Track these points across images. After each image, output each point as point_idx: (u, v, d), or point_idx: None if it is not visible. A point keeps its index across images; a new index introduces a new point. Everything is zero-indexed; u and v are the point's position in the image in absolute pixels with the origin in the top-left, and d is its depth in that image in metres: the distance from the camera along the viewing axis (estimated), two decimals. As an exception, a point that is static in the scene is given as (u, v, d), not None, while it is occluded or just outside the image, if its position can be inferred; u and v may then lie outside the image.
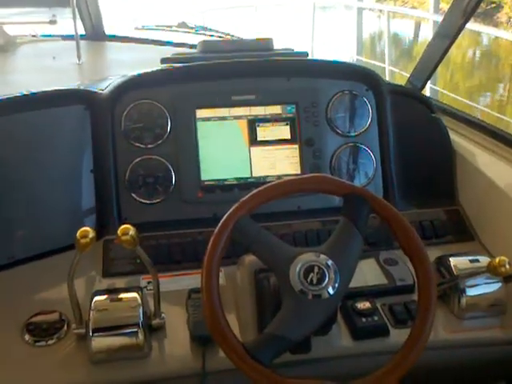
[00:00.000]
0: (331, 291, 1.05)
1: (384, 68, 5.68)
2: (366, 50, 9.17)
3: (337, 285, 1.06)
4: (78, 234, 1.16)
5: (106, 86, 1.59)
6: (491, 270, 1.27)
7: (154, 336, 1.26)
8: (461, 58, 10.81)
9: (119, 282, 1.40)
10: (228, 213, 1.10)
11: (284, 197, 1.15)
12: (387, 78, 5.25)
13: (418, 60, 1.96)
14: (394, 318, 1.33)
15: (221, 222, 1.09)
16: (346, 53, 6.88)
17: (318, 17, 6.51)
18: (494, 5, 13.85)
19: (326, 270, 1.05)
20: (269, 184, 1.14)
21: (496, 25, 13.25)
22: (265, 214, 1.27)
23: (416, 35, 12.74)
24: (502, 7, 13.84)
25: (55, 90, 1.55)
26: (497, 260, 1.25)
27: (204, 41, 1.81)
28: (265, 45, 1.80)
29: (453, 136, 1.74)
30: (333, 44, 7.39)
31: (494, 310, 1.36)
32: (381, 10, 7.60)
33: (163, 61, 1.69)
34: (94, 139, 1.54)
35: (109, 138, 1.54)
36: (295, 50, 1.84)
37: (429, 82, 4.85)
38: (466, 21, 1.71)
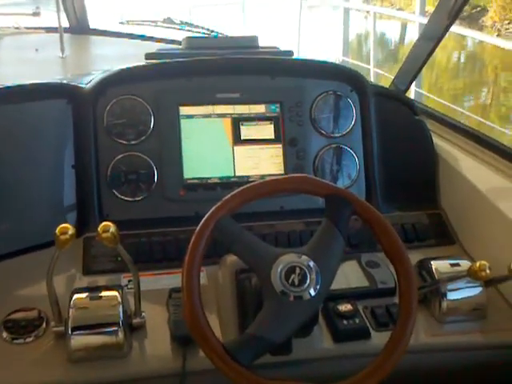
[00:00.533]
0: (313, 293, 1.05)
1: (370, 70, 5.71)
2: (352, 50, 9.19)
3: (318, 286, 1.05)
4: (57, 230, 1.14)
5: (89, 80, 1.57)
6: (472, 275, 1.27)
7: (134, 335, 1.25)
8: (446, 60, 10.89)
9: (100, 280, 1.38)
10: (209, 212, 1.09)
11: (266, 197, 1.14)
12: (372, 80, 5.27)
13: (403, 62, 1.96)
14: (375, 321, 1.33)
15: (202, 221, 1.08)
16: (332, 53, 6.89)
17: (304, 16, 6.51)
18: (479, 8, 13.98)
19: (307, 271, 1.05)
20: (250, 184, 1.13)
21: (481, 28, 13.37)
22: (247, 213, 1.26)
23: (402, 37, 12.81)
24: (487, 11, 13.97)
25: (37, 84, 1.53)
26: (477, 264, 1.26)
27: (189, 37, 1.80)
28: (249, 42, 1.79)
29: (436, 139, 1.75)
30: (319, 44, 7.40)
31: (475, 314, 1.36)
32: (368, 11, 7.61)
33: (147, 56, 1.67)
34: (75, 134, 1.52)
35: (91, 134, 1.52)
36: (280, 49, 1.83)
37: (413, 84, 4.88)
38: (451, 23, 1.71)
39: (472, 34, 5.67)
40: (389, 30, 12.27)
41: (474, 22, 13.59)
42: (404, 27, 12.44)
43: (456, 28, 5.29)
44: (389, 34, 12.61)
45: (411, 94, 4.91)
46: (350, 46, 8.73)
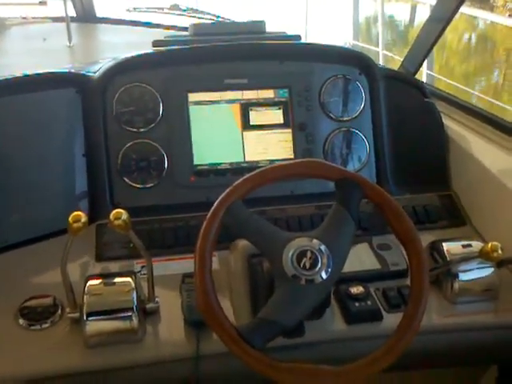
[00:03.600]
0: (324, 276, 1.05)
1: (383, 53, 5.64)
2: (362, 33, 9.10)
3: (330, 269, 1.06)
4: (70, 218, 1.15)
5: (97, 68, 1.57)
6: (483, 255, 1.27)
7: (148, 320, 1.26)
8: (456, 41, 10.77)
9: (113, 267, 1.40)
10: (220, 198, 1.09)
11: (276, 182, 1.15)
12: (381, 62, 5.21)
13: (412, 44, 1.94)
14: (387, 303, 1.33)
15: (213, 206, 1.09)
16: (342, 37, 6.82)
17: (312, 0, 6.44)
18: (489, -12, 13.77)
19: (318, 254, 1.06)
20: (260, 169, 1.13)
21: (492, 8, 13.18)
22: (258, 198, 1.27)
23: (412, 19, 12.66)
24: (498, -9, 13.76)
25: (46, 73, 1.54)
26: (489, 245, 1.25)
27: (195, 23, 1.80)
28: (257, 28, 1.78)
29: (446, 121, 1.74)
30: (329, 28, 7.32)
31: (487, 294, 1.36)
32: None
33: (155, 43, 1.67)
34: (85, 123, 1.53)
35: (100, 122, 1.53)
36: (287, 33, 1.82)
37: (425, 67, 4.80)
38: (460, 4, 1.69)
39: (482, 15, 5.58)
40: (399, 12, 12.12)
41: (484, 1, 13.40)
42: (414, 9, 12.29)
43: (466, 9, 5.22)
44: (399, 16, 12.46)
45: (423, 76, 4.85)
46: (360, 29, 8.64)
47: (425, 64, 4.82)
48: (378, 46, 5.66)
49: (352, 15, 6.90)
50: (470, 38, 11.48)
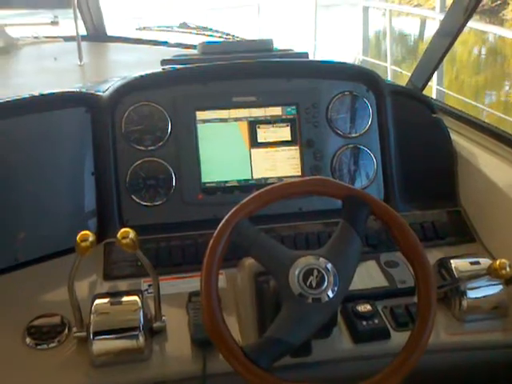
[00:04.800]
0: (331, 294, 1.05)
1: (391, 68, 5.64)
2: (371, 49, 9.12)
3: (336, 288, 1.05)
4: (78, 237, 1.16)
5: (106, 87, 1.59)
6: (492, 273, 1.26)
7: (155, 339, 1.26)
8: (467, 55, 10.77)
9: (120, 285, 1.40)
10: (227, 215, 1.09)
11: (283, 199, 1.15)
12: (389, 78, 5.21)
13: (419, 59, 1.95)
14: (394, 321, 1.32)
15: (220, 224, 1.09)
16: (351, 52, 6.84)
17: (321, 16, 6.48)
18: (499, 2, 13.79)
19: (325, 273, 1.05)
20: (268, 187, 1.13)
21: (502, 22, 13.19)
22: (267, 215, 1.28)
23: (422, 33, 12.68)
24: (508, 4, 13.77)
25: (56, 93, 1.56)
26: (497, 263, 1.25)
27: (204, 42, 1.81)
28: (265, 45, 1.79)
29: (454, 136, 1.73)
30: (337, 44, 7.35)
31: (496, 312, 1.35)
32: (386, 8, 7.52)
33: (163, 62, 1.69)
34: (94, 141, 1.54)
35: (109, 141, 1.54)
36: (295, 51, 1.83)
37: (435, 83, 4.76)
38: (467, 19, 1.70)
39: (490, 29, 5.56)
40: (409, 27, 12.15)
41: (494, 15, 13.41)
42: (423, 23, 12.31)
43: (475, 23, 5.20)
44: (408, 31, 12.49)
45: (432, 93, 4.84)
46: (370, 45, 8.66)
47: (435, 79, 4.81)
48: (386, 61, 5.66)
49: (362, 30, 6.92)
50: (479, 51, 11.48)
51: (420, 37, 12.71)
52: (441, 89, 5.07)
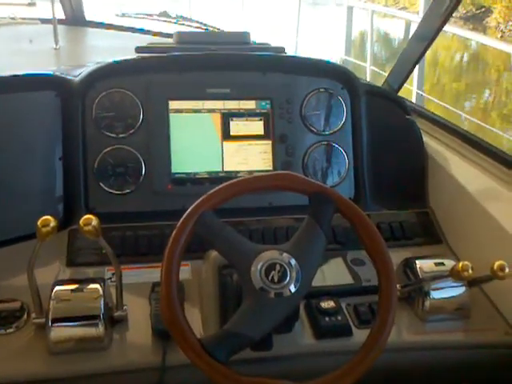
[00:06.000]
0: (293, 289, 1.04)
1: (373, 69, 5.67)
2: (355, 49, 9.16)
3: (298, 283, 1.05)
4: (39, 222, 1.14)
5: (80, 72, 1.57)
6: (454, 275, 1.27)
7: (115, 328, 1.25)
8: (449, 60, 10.87)
9: (83, 273, 1.38)
10: (192, 206, 1.08)
11: (249, 193, 1.14)
12: (368, 78, 5.23)
13: (396, 61, 1.95)
14: (357, 319, 1.32)
15: (184, 215, 1.08)
16: (333, 52, 6.85)
17: (306, 13, 6.47)
18: (483, 9, 13.94)
19: (287, 268, 1.05)
20: (234, 180, 1.12)
21: (485, 29, 13.33)
22: (236, 208, 1.27)
23: (406, 36, 12.76)
24: (492, 12, 13.92)
25: (26, 75, 1.53)
26: (460, 265, 1.25)
27: (180, 31, 1.79)
28: (241, 38, 1.78)
29: (426, 139, 1.74)
30: (321, 42, 7.36)
31: (458, 313, 1.36)
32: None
33: (138, 50, 1.67)
34: (64, 126, 1.52)
35: (79, 126, 1.52)
36: (271, 45, 1.83)
37: (415, 86, 4.79)
38: (443, 24, 1.71)
39: (472, 37, 5.61)
40: (393, 29, 12.22)
41: (478, 22, 13.55)
42: (408, 26, 12.40)
43: (458, 30, 5.25)
44: (393, 33, 12.57)
45: (412, 95, 4.87)
46: (354, 45, 8.68)
47: (415, 83, 4.85)
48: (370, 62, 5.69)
49: (345, 30, 6.94)
50: (461, 57, 11.59)
51: (405, 39, 12.80)
52: (420, 92, 5.10)
